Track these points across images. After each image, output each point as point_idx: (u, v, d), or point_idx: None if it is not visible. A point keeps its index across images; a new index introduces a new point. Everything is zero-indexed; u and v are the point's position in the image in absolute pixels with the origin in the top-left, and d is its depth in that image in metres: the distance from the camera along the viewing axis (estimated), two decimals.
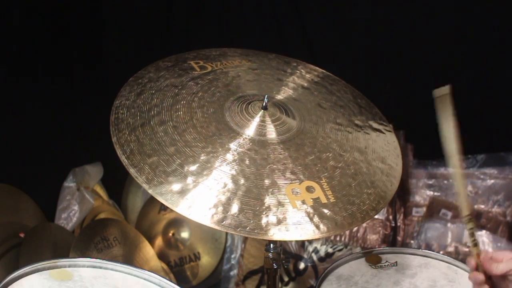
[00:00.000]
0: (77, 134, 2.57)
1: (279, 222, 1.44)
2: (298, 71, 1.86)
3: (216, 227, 1.41)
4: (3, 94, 2.36)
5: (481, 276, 1.41)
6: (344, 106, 1.79)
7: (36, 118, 2.45)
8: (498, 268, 1.41)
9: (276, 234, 1.42)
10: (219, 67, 1.78)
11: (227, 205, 1.44)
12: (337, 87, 1.86)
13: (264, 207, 1.45)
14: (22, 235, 2.20)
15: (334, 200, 1.51)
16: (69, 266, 1.44)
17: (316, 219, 1.46)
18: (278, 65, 1.87)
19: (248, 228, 1.42)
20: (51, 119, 2.53)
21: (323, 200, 1.50)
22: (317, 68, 1.91)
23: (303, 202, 1.48)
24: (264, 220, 1.43)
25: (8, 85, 2.39)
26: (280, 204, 1.46)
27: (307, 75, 1.86)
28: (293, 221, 1.45)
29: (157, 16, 2.89)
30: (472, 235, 1.46)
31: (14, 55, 2.41)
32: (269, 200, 1.46)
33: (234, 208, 1.44)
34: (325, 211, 1.48)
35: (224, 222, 1.42)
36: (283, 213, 1.45)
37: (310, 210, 1.47)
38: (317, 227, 1.46)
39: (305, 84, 1.82)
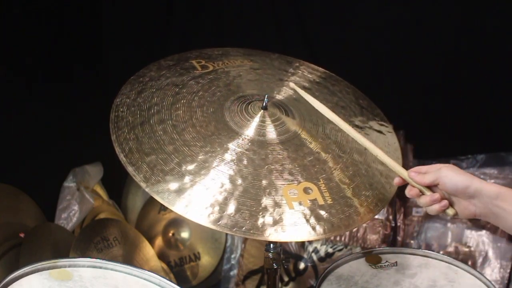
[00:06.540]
0: (77, 134, 2.57)
1: (275, 223, 1.43)
2: (300, 71, 1.86)
3: (212, 226, 1.41)
4: (3, 94, 2.36)
5: (436, 195, 1.45)
6: (345, 107, 1.78)
7: (36, 118, 2.45)
8: (425, 178, 1.46)
9: (272, 234, 1.42)
10: (221, 66, 1.77)
11: (223, 205, 1.44)
12: (339, 88, 1.85)
13: (260, 208, 1.45)
14: (22, 235, 2.20)
15: (331, 202, 1.50)
16: (69, 266, 1.44)
17: (312, 220, 1.46)
18: (280, 65, 1.87)
19: (244, 228, 1.41)
20: (51, 119, 2.52)
21: (320, 201, 1.49)
22: (320, 68, 1.90)
23: (300, 203, 1.47)
24: (260, 221, 1.43)
25: (8, 85, 2.38)
26: (277, 205, 1.46)
27: (309, 76, 1.85)
28: (290, 222, 1.44)
29: (157, 15, 2.89)
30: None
31: (14, 55, 2.40)
32: (266, 201, 1.46)
33: (231, 208, 1.43)
34: (322, 212, 1.48)
35: (220, 222, 1.41)
36: (279, 214, 1.45)
37: (307, 211, 1.47)
38: (314, 228, 1.45)
39: (307, 85, 1.81)
